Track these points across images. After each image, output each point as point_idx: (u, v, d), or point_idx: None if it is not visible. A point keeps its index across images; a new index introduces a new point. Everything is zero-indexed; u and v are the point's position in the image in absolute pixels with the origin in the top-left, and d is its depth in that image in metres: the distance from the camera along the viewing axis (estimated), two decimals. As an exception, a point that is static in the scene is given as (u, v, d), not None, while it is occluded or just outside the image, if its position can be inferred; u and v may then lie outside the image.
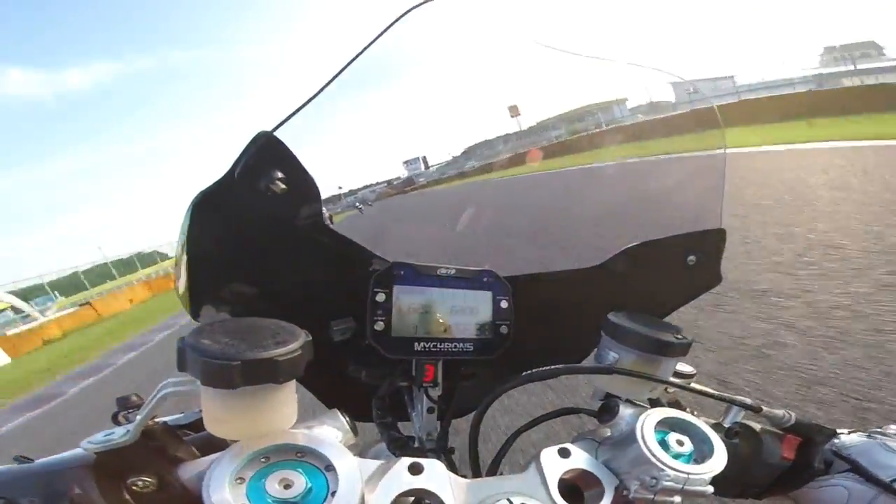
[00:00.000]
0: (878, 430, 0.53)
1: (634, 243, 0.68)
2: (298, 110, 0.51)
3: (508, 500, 0.42)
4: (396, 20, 0.56)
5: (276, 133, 0.51)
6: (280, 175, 0.51)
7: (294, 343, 0.40)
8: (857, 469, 0.49)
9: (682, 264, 0.68)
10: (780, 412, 0.55)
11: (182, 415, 0.52)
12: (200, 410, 0.41)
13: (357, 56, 0.54)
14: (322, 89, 0.53)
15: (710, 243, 0.68)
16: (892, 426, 0.53)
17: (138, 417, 0.40)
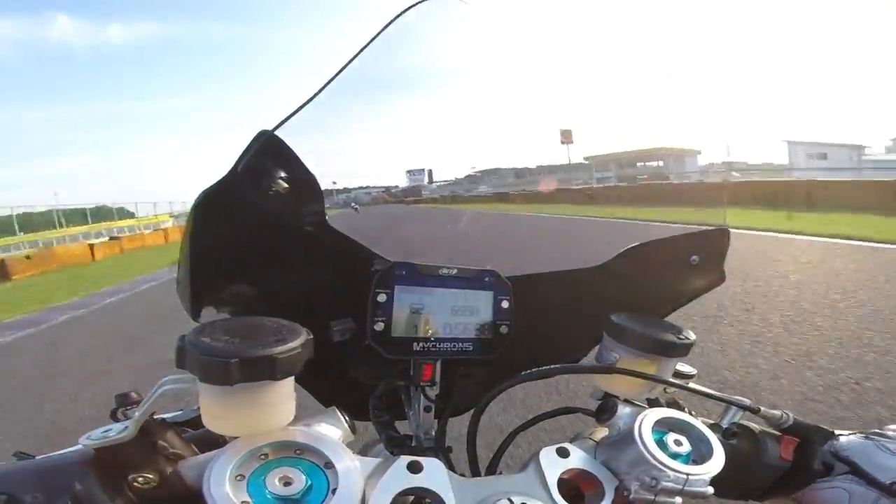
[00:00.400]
0: (877, 431, 0.53)
1: (636, 243, 0.68)
2: (299, 109, 0.51)
3: (509, 499, 0.42)
4: (395, 18, 0.56)
5: (277, 132, 0.51)
6: (282, 174, 0.51)
7: (294, 341, 0.40)
8: (856, 471, 0.50)
9: (685, 263, 0.67)
10: (777, 413, 0.56)
11: (181, 412, 0.52)
12: (198, 407, 0.41)
13: (356, 55, 0.54)
14: (323, 88, 0.53)
15: (713, 242, 0.67)
16: (891, 427, 0.53)
17: (136, 414, 0.40)
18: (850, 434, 0.54)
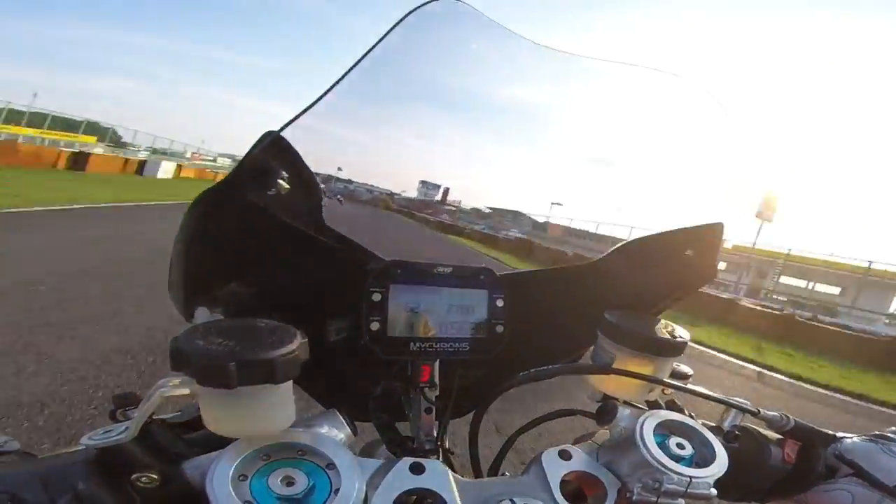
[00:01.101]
0: (881, 433, 0.53)
1: (631, 238, 0.67)
2: (306, 110, 0.51)
3: (511, 501, 0.41)
4: (404, 17, 0.56)
5: (283, 133, 0.51)
6: (284, 174, 0.51)
7: (291, 343, 0.40)
8: (860, 474, 0.50)
9: (679, 258, 0.67)
10: (777, 415, 0.55)
11: (181, 412, 0.51)
12: (199, 409, 0.41)
13: (364, 56, 0.54)
14: (330, 89, 0.53)
15: (708, 237, 0.66)
16: (894, 429, 0.53)
17: (136, 414, 0.39)
18: (853, 437, 0.54)
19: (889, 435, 0.53)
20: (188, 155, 44.64)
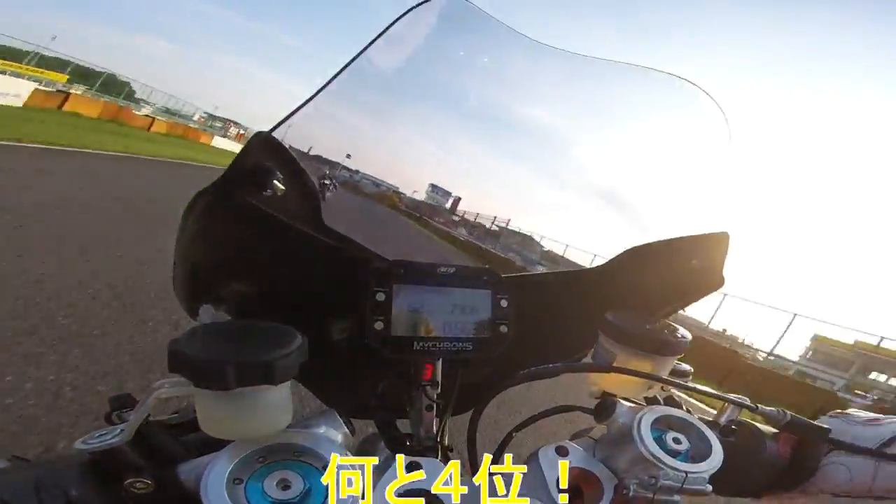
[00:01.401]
0: (839, 411, 0.57)
1: (637, 244, 0.67)
2: (297, 110, 0.51)
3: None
4: (399, 17, 0.55)
5: (275, 133, 0.50)
6: (279, 175, 0.51)
7: (289, 345, 0.40)
8: (840, 445, 0.51)
9: (685, 267, 0.67)
10: (775, 410, 0.56)
11: (177, 414, 0.51)
12: (195, 411, 0.41)
13: (358, 55, 0.54)
14: (323, 88, 0.52)
15: (714, 246, 0.66)
16: (849, 410, 0.56)
17: (132, 417, 0.39)
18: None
19: (844, 412, 0.56)
20: (196, 117, 46.44)
